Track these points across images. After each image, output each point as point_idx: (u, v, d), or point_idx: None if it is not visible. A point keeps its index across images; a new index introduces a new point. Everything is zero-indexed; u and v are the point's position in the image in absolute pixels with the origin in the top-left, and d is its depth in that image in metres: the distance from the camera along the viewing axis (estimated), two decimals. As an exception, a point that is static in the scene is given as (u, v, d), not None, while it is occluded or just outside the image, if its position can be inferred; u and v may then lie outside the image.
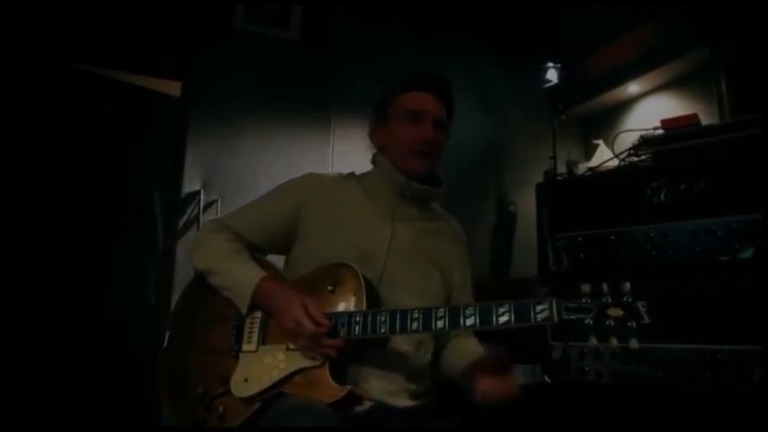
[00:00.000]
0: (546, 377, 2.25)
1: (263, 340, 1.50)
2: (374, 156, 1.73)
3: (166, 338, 1.63)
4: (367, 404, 1.46)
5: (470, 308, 1.36)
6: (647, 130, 2.36)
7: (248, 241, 1.63)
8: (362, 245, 1.57)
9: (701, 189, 2.02)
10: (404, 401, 1.51)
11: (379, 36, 3.47)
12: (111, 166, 3.04)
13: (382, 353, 1.49)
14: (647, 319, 1.24)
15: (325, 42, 3.35)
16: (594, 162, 2.79)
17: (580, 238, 2.27)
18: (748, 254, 1.87)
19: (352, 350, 1.45)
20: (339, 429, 1.35)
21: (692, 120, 2.28)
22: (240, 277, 1.53)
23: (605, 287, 1.29)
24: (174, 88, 3.10)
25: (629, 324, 1.25)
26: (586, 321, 1.27)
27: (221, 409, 1.46)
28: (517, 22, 3.72)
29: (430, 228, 1.70)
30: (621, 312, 1.26)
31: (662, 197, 2.10)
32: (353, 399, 1.41)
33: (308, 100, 3.26)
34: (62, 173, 2.89)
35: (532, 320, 1.30)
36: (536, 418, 2.20)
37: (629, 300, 1.26)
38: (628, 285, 1.28)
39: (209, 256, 1.59)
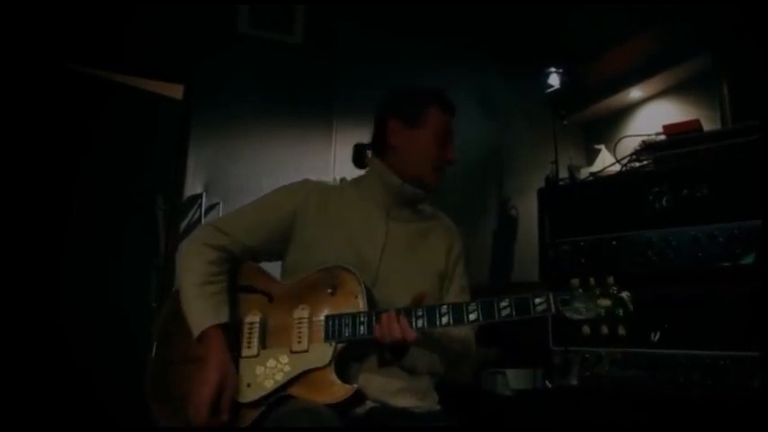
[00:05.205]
0: (547, 382, 2.25)
1: (263, 345, 1.51)
2: (369, 159, 1.75)
3: (154, 349, 1.59)
4: (368, 404, 1.48)
5: (473, 303, 1.42)
6: (649, 135, 2.36)
7: (242, 245, 1.61)
8: (358, 248, 1.60)
9: (703, 195, 2.02)
10: (404, 401, 1.52)
11: (382, 41, 3.47)
12: (113, 169, 3.05)
13: (383, 352, 1.50)
14: (631, 308, 1.36)
15: (328, 47, 3.36)
16: (596, 167, 2.79)
17: (582, 243, 2.27)
18: (750, 260, 1.87)
19: (355, 350, 1.47)
20: (340, 430, 1.35)
21: (694, 125, 2.28)
22: (196, 314, 1.51)
23: (592, 281, 1.40)
24: (176, 91, 3.11)
25: (616, 312, 1.37)
26: (582, 312, 1.38)
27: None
28: (520, 28, 3.72)
29: (421, 228, 1.72)
30: (609, 302, 1.37)
31: (664, 203, 2.10)
32: (359, 398, 1.43)
33: (311, 104, 3.27)
34: (64, 175, 2.90)
35: (532, 313, 1.39)
36: (537, 422, 2.20)
37: (615, 291, 1.38)
38: (611, 279, 1.40)
39: (185, 276, 1.56)
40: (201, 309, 1.50)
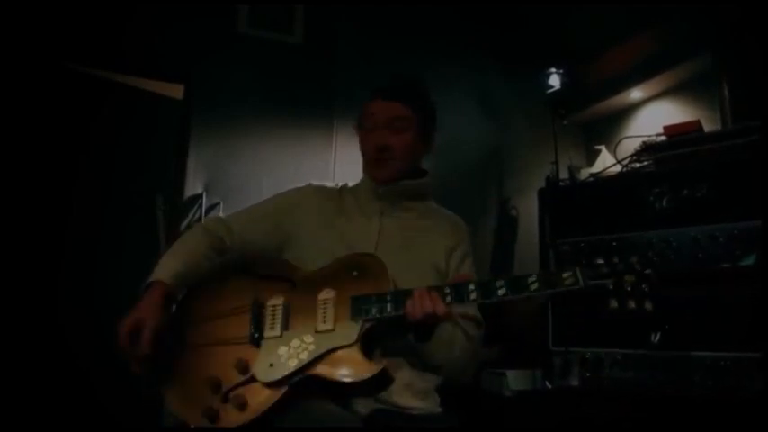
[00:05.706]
0: (547, 383, 2.25)
1: (286, 326, 1.50)
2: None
3: (168, 340, 1.57)
4: (371, 405, 1.48)
5: (500, 280, 1.41)
6: (650, 136, 2.37)
7: (240, 237, 1.66)
8: (352, 243, 1.61)
9: (703, 195, 2.02)
10: (408, 400, 1.52)
11: (382, 41, 3.47)
12: (113, 169, 3.04)
13: (405, 337, 1.51)
14: (656, 282, 1.39)
15: (328, 47, 3.36)
16: (597, 168, 2.79)
17: (582, 244, 2.27)
18: (750, 260, 1.88)
19: (379, 334, 1.47)
20: (341, 429, 1.35)
21: (694, 126, 2.28)
22: (158, 267, 1.58)
23: (616, 259, 1.45)
24: (176, 91, 3.11)
25: (643, 287, 1.39)
26: (609, 286, 1.40)
27: (243, 398, 1.43)
28: (520, 28, 3.72)
29: (422, 225, 1.73)
30: (634, 278, 1.40)
31: (664, 203, 2.10)
32: (386, 378, 1.40)
33: (311, 104, 3.26)
34: (64, 176, 2.89)
35: (560, 287, 1.39)
36: (537, 423, 2.20)
37: (639, 268, 1.40)
38: (635, 258, 1.42)
39: (179, 243, 1.66)
40: (166, 265, 1.57)
